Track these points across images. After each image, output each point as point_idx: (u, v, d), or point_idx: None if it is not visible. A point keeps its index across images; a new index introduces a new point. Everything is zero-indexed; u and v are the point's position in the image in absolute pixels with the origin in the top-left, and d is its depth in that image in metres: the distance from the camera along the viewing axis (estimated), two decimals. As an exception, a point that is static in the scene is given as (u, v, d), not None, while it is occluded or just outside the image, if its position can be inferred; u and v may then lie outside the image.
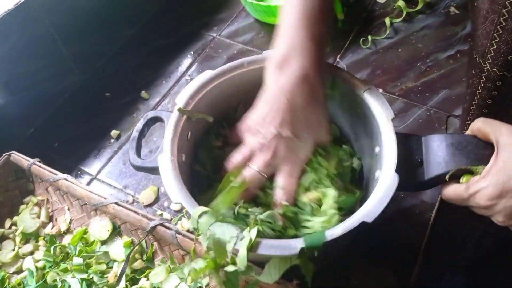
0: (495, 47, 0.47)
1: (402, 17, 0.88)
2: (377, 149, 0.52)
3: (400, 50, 0.84)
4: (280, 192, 0.47)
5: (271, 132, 0.46)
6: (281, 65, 0.47)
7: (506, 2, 0.43)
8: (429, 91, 0.76)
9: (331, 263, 0.58)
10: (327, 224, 0.46)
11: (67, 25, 0.77)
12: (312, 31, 0.47)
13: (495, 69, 0.49)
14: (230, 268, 0.43)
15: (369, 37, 0.85)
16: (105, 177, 0.73)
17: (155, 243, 0.57)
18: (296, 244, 0.42)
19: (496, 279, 0.65)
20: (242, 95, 0.60)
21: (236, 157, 0.49)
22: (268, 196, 0.49)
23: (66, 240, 0.61)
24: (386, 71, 0.81)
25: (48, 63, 0.77)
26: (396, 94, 0.77)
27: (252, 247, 0.42)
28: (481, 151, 0.43)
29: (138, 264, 0.56)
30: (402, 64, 0.82)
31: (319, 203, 0.48)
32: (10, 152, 0.65)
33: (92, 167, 0.74)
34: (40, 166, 0.63)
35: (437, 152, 0.45)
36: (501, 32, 0.45)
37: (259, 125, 0.47)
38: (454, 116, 0.72)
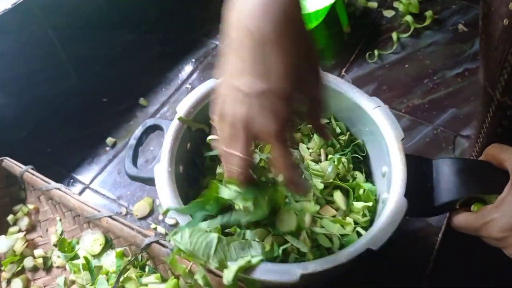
0: (506, 76, 0.45)
1: (410, 33, 0.86)
2: (384, 168, 0.50)
3: (407, 65, 0.82)
4: (274, 168, 0.37)
5: (234, 96, 0.34)
6: None
7: None
8: (436, 109, 0.75)
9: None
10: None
11: (66, 28, 0.75)
12: None
13: (506, 99, 0.47)
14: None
15: (376, 52, 0.83)
16: (98, 187, 0.70)
17: (150, 261, 0.55)
18: (296, 270, 0.39)
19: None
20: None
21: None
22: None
23: (55, 255, 0.58)
24: (392, 87, 0.79)
25: (45, 65, 0.75)
26: (403, 111, 0.75)
27: (247, 270, 0.40)
28: (495, 179, 0.41)
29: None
30: (408, 80, 0.80)
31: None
32: (2, 158, 0.62)
33: (85, 175, 0.71)
34: (33, 174, 0.60)
35: (449, 177, 0.43)
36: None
37: (224, 89, 0.36)
38: (461, 136, 0.70)
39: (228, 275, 0.39)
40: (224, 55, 0.36)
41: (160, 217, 0.65)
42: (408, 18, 0.87)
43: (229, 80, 0.35)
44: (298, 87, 0.35)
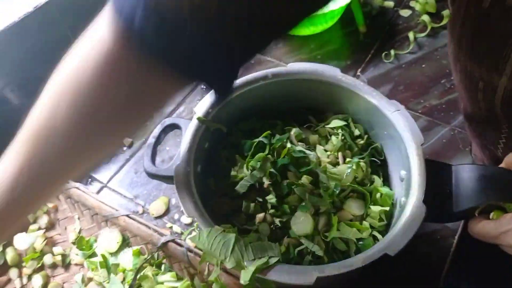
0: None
1: (426, 32, 0.85)
2: (402, 172, 0.49)
3: (423, 66, 0.81)
4: None
5: None
6: None
7: None
8: (454, 110, 0.74)
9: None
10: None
11: (84, 29, 0.76)
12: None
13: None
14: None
15: (392, 51, 0.83)
16: (115, 186, 0.71)
17: (166, 260, 0.56)
18: (312, 272, 0.40)
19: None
20: (263, 107, 0.58)
21: None
22: None
23: (74, 252, 0.60)
24: (409, 87, 0.78)
25: (63, 66, 0.76)
26: (419, 111, 0.74)
27: (263, 271, 0.40)
28: (515, 187, 0.41)
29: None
30: (425, 81, 0.79)
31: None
32: (22, 157, 0.63)
33: (103, 174, 0.72)
34: (51, 173, 0.61)
35: (468, 183, 0.43)
36: None
37: None
38: (479, 138, 0.69)
39: (245, 275, 0.39)
40: None
41: (176, 216, 0.66)
42: (425, 17, 0.86)
43: None
44: None
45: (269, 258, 0.41)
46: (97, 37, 0.33)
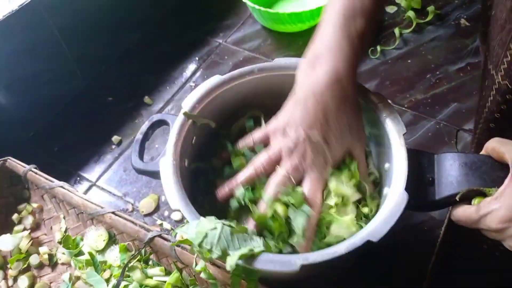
0: (509, 58, 0.45)
1: (412, 28, 0.86)
2: (386, 165, 0.50)
3: (409, 61, 0.82)
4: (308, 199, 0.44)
5: (300, 134, 0.44)
6: (314, 64, 0.45)
7: None
8: (439, 104, 0.75)
9: (332, 282, 0.56)
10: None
11: (72, 28, 0.76)
12: (350, 31, 0.44)
13: (506, 82, 0.47)
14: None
15: (378, 47, 0.83)
16: (104, 184, 0.71)
17: (153, 255, 0.55)
18: (296, 260, 0.40)
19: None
20: (250, 102, 0.59)
21: (262, 159, 0.47)
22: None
23: (60, 252, 0.60)
24: (395, 82, 0.79)
25: (51, 66, 0.76)
26: (405, 106, 0.75)
27: (248, 260, 0.40)
28: (496, 172, 0.41)
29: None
30: (411, 76, 0.80)
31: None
32: (6, 158, 0.63)
33: (92, 173, 0.72)
34: (36, 173, 0.61)
35: (450, 171, 0.43)
36: None
37: (288, 127, 0.45)
38: (464, 130, 0.70)
39: (231, 261, 0.40)
40: (290, 106, 0.47)
41: (166, 213, 0.66)
42: (410, 13, 0.87)
43: (293, 121, 0.46)
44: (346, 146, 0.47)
45: (254, 248, 0.41)
46: None
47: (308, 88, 0.44)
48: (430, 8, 0.87)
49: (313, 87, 0.44)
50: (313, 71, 0.44)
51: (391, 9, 0.92)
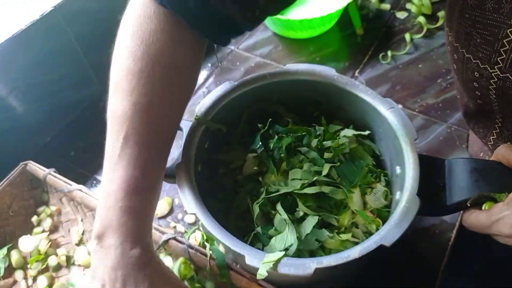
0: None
1: (423, 33, 0.87)
2: (397, 168, 0.50)
3: (420, 66, 0.83)
4: None
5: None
6: (101, 241, 0.42)
7: None
8: (450, 108, 0.75)
9: (345, 285, 0.56)
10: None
11: (88, 36, 0.78)
12: (131, 203, 0.42)
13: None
14: None
15: (389, 53, 0.84)
16: (120, 188, 0.72)
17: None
18: (311, 264, 0.41)
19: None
20: (262, 107, 0.60)
21: None
22: None
23: (78, 252, 0.61)
24: (405, 87, 0.80)
25: (68, 72, 0.78)
26: (416, 110, 0.76)
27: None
28: (506, 178, 0.42)
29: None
30: (422, 80, 0.80)
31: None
32: (26, 162, 0.65)
33: (108, 177, 0.74)
34: (55, 176, 0.63)
35: (461, 177, 0.44)
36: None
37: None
38: (475, 135, 0.70)
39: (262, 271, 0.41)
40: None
41: (179, 216, 0.67)
42: (421, 19, 0.88)
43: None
44: None
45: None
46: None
47: (101, 266, 0.41)
48: (441, 14, 0.88)
49: (104, 264, 0.41)
50: (102, 249, 0.42)
51: (402, 14, 0.92)
